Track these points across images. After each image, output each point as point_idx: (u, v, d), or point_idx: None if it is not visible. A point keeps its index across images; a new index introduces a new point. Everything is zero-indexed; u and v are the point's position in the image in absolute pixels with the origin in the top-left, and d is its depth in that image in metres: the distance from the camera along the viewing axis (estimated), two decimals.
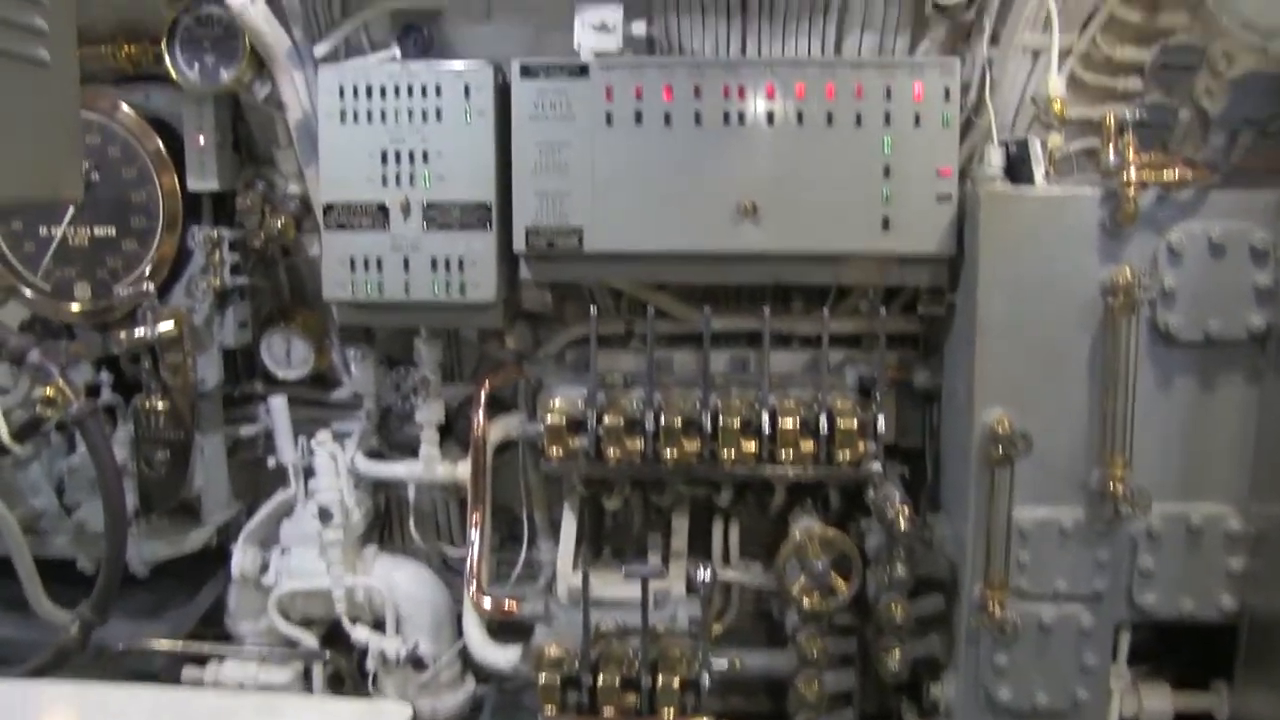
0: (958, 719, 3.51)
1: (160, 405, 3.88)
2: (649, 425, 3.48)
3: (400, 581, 4.02)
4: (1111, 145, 3.31)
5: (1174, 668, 3.62)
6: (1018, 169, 3.49)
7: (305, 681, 4.09)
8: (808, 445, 3.49)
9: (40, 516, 4.11)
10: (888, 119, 3.42)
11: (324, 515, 3.80)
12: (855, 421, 3.48)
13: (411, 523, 4.14)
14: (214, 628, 4.21)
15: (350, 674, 4.07)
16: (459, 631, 3.99)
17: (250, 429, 4.21)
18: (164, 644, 4.04)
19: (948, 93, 3.42)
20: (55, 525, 4.14)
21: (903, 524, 3.36)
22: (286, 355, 4.03)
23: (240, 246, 3.94)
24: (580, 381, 3.68)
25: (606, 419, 3.50)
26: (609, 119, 3.44)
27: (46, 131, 2.03)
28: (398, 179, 3.54)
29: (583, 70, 3.44)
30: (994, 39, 3.50)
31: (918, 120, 3.42)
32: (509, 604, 3.78)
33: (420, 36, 3.63)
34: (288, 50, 3.59)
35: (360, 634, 3.96)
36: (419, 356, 3.88)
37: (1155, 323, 3.30)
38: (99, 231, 3.89)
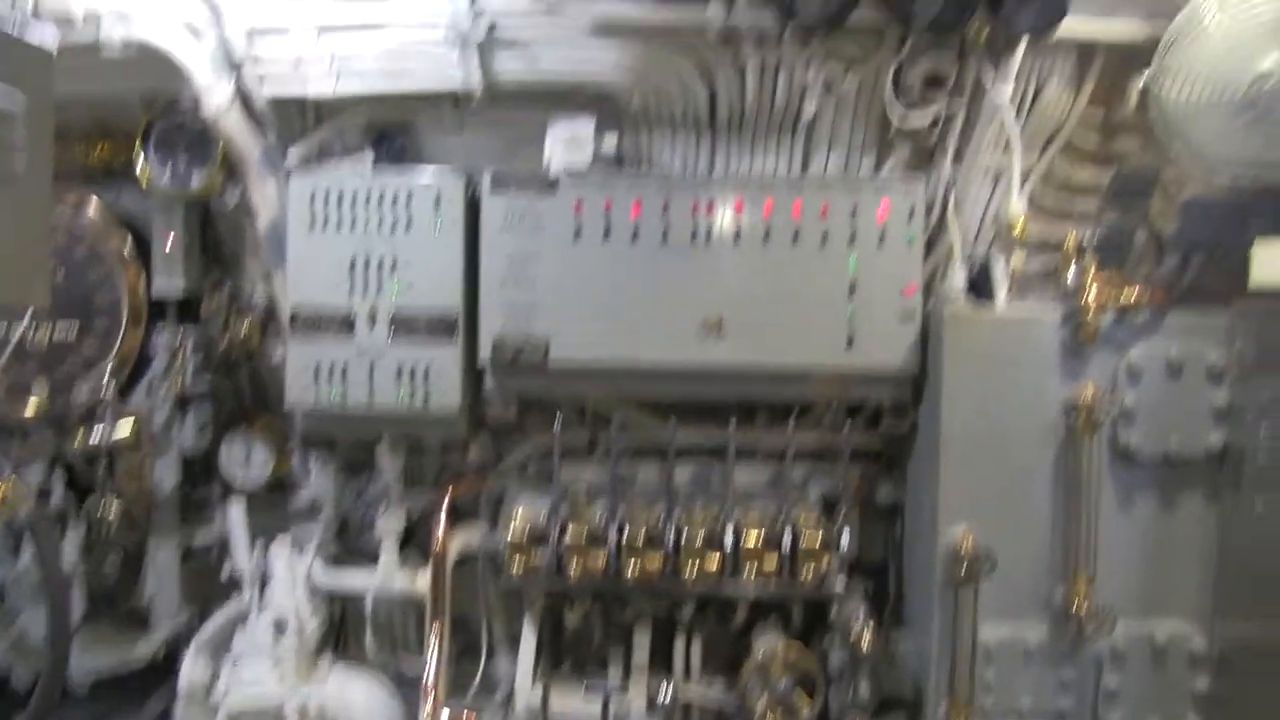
0: None
1: (114, 509, 3.87)
2: (612, 540, 3.53)
3: (355, 695, 3.98)
4: (1072, 266, 3.45)
5: None
6: (980, 288, 3.64)
7: None
8: (771, 561, 3.54)
9: None
10: (853, 237, 3.55)
11: (279, 627, 3.78)
12: (819, 538, 3.54)
13: (368, 633, 4.10)
14: None
15: None
16: None
17: (205, 535, 4.20)
18: None
19: (912, 212, 3.56)
20: None
21: (865, 645, 3.40)
22: (246, 460, 4.05)
23: (204, 349, 3.99)
24: (543, 493, 3.73)
25: (569, 533, 3.55)
26: (578, 233, 3.56)
27: (16, 240, 2.09)
28: (365, 287, 3.62)
29: (553, 184, 3.56)
30: (957, 159, 3.67)
31: (882, 239, 3.55)
32: (467, 718, 3.74)
33: (393, 145, 3.76)
34: (260, 156, 3.69)
35: None
36: (381, 465, 3.91)
37: (1116, 441, 3.42)
38: (60, 330, 3.94)
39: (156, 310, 3.98)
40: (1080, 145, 3.71)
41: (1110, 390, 3.38)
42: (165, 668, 4.13)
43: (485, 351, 3.59)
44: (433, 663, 3.76)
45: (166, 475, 3.99)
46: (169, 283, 3.94)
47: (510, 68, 3.49)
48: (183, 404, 3.98)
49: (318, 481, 4.07)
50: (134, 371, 3.97)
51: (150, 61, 3.48)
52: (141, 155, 3.74)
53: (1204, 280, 3.73)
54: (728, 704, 3.82)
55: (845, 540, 3.59)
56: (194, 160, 3.74)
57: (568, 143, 3.55)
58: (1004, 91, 3.38)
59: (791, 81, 3.47)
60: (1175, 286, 3.59)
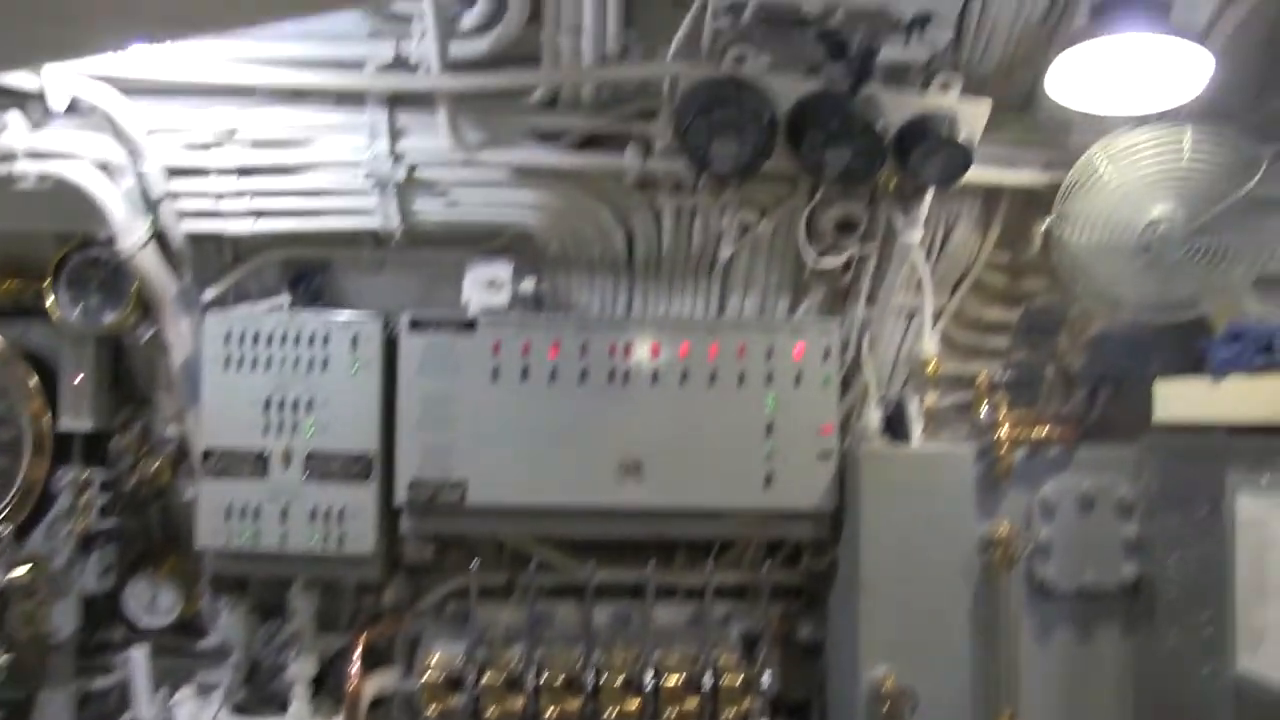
0: None
1: (2, 659, 3.76)
2: (530, 683, 3.55)
3: None
4: (984, 403, 3.58)
5: None
6: (895, 426, 3.77)
7: None
8: (692, 703, 3.58)
9: None
10: (769, 378, 3.67)
11: None
12: (740, 678, 3.59)
13: None
14: None
15: None
16: None
17: (105, 681, 4.10)
18: None
19: (827, 352, 3.70)
20: None
21: None
22: (152, 602, 4.00)
23: (111, 488, 3.96)
24: (460, 635, 3.73)
25: (486, 676, 3.56)
26: (495, 374, 3.64)
27: None
28: (280, 427, 3.65)
29: (471, 325, 3.65)
30: (870, 300, 3.82)
31: (798, 379, 3.68)
32: None
33: (311, 285, 3.83)
34: (176, 294, 3.74)
35: None
36: (294, 607, 3.89)
37: (1033, 575, 3.53)
38: None
39: (63, 448, 3.93)
40: (989, 285, 3.89)
41: (1025, 525, 3.49)
42: None
43: (402, 493, 3.62)
44: None
45: (65, 621, 3.89)
46: (76, 419, 3.91)
47: (429, 209, 3.61)
48: (86, 544, 3.91)
49: (227, 624, 4.03)
50: (36, 510, 3.89)
51: (66, 196, 3.53)
52: (52, 292, 3.73)
53: (1112, 414, 3.91)
54: None
55: (767, 680, 3.63)
56: (107, 298, 3.76)
57: (486, 284, 3.63)
58: (914, 236, 3.54)
59: (707, 226, 3.63)
60: (1084, 421, 3.74)
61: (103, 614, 4.11)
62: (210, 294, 3.79)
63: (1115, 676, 3.56)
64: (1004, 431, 3.50)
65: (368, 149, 3.46)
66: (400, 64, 3.36)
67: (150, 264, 3.62)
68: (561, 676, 3.55)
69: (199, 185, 3.56)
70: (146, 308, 3.78)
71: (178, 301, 3.72)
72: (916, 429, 3.71)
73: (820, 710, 3.96)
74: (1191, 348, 3.35)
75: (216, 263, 3.82)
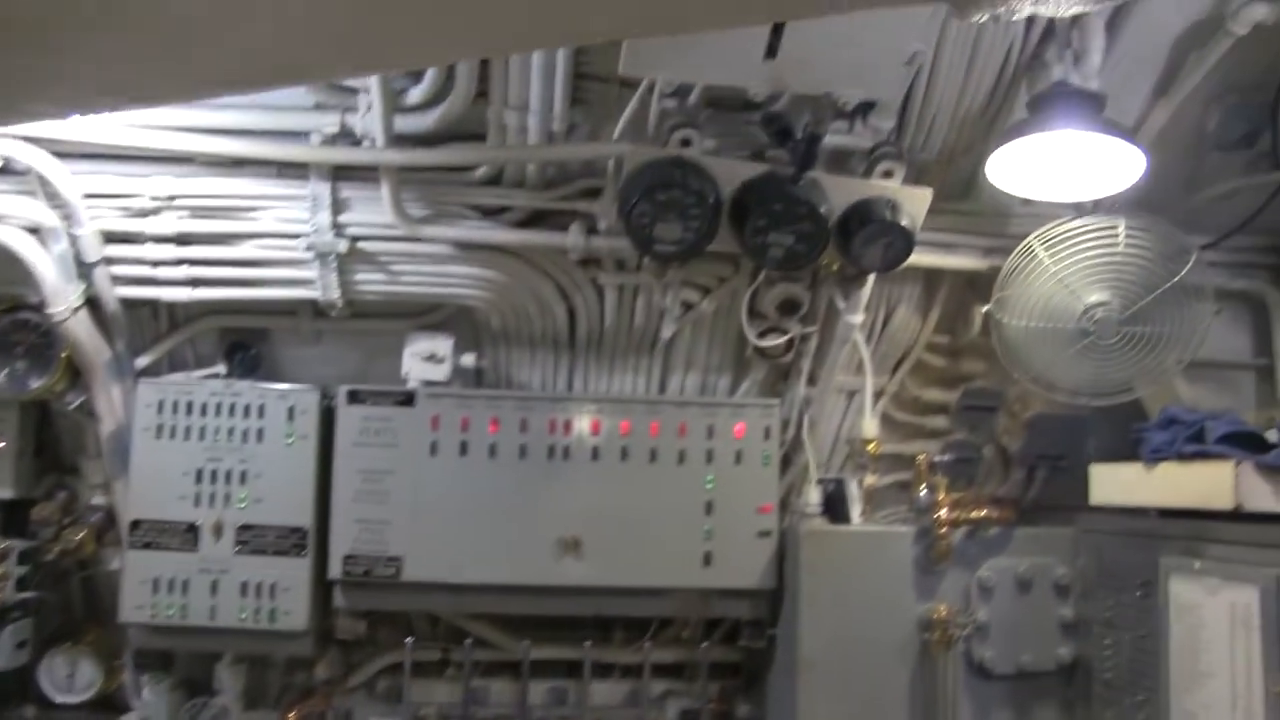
0: None
1: None
2: None
3: None
4: (924, 484, 3.60)
5: None
6: (835, 506, 3.79)
7: None
8: None
9: None
10: (710, 456, 3.68)
11: None
12: None
13: None
14: None
15: None
16: None
17: None
18: None
19: (767, 432, 3.73)
20: None
21: None
22: (69, 678, 3.86)
23: (31, 558, 3.82)
24: (392, 713, 3.71)
25: None
26: (434, 448, 3.61)
27: None
28: (212, 499, 3.58)
29: (409, 399, 3.62)
30: (811, 380, 3.85)
31: (739, 458, 3.69)
32: None
33: (247, 355, 3.78)
34: (107, 361, 3.66)
35: None
36: (220, 683, 3.81)
37: (971, 656, 3.52)
38: None
39: None
40: (929, 366, 3.96)
41: (964, 606, 3.50)
42: None
43: (336, 568, 3.56)
44: None
45: None
46: None
47: (370, 282, 3.58)
48: (0, 617, 3.78)
49: (150, 701, 3.90)
50: None
51: None
52: None
53: (1049, 495, 3.95)
54: None
55: None
56: (35, 363, 3.65)
57: (426, 358, 3.61)
58: (856, 317, 3.58)
59: (650, 304, 3.64)
60: (1021, 502, 3.77)
61: (13, 691, 3.97)
62: (143, 361, 3.72)
63: None
64: (943, 512, 3.52)
65: (309, 220, 3.43)
66: (345, 136, 3.35)
67: (82, 329, 3.55)
68: None
69: (135, 252, 3.50)
70: (76, 373, 3.69)
71: (109, 368, 3.64)
72: (856, 509, 3.73)
73: None
74: (1126, 430, 3.39)
75: (151, 330, 3.77)
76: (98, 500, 3.86)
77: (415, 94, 3.28)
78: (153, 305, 3.69)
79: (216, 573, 3.55)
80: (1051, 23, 3.07)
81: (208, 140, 3.31)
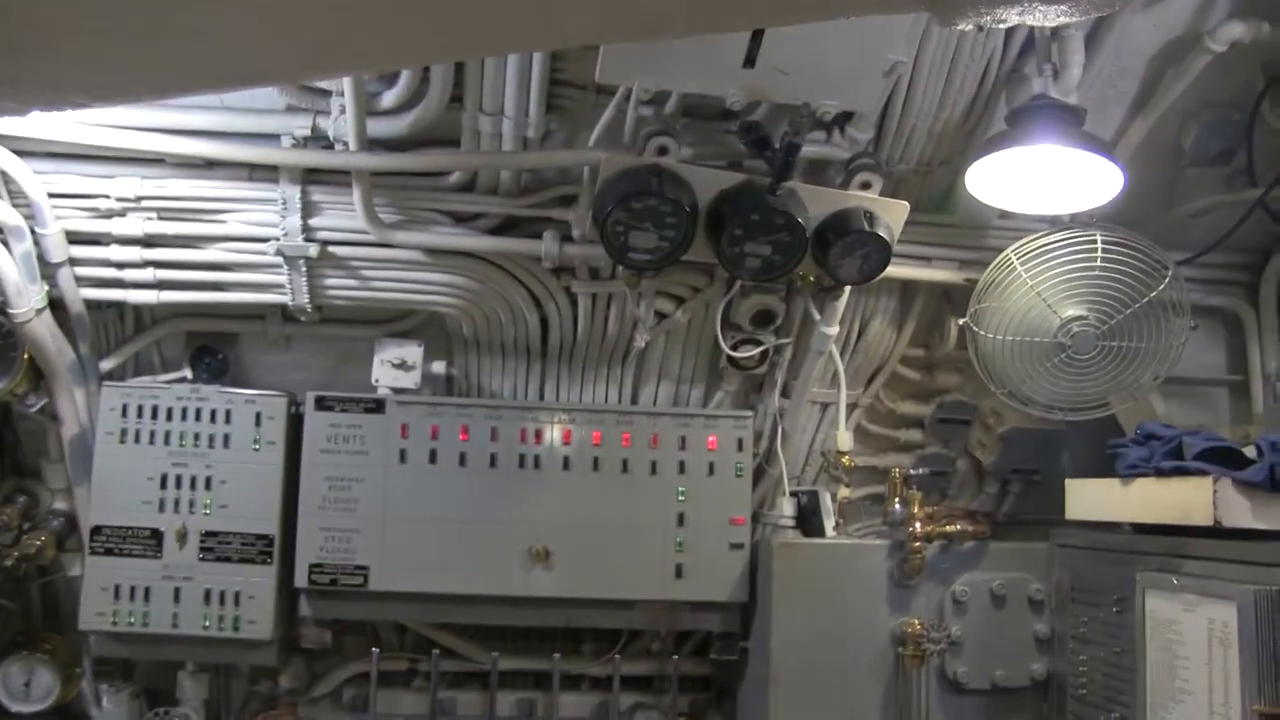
0: None
1: None
2: None
3: None
4: (897, 497, 3.56)
5: None
6: (808, 518, 3.74)
7: None
8: None
9: None
10: (682, 467, 3.64)
11: None
12: None
13: None
14: None
15: None
16: None
17: None
18: None
19: (740, 444, 3.68)
20: None
21: None
22: (26, 687, 3.74)
23: None
24: None
25: None
26: (403, 456, 3.55)
27: None
28: (176, 505, 3.50)
29: (379, 406, 3.56)
30: (785, 392, 3.80)
31: (711, 469, 3.65)
32: None
33: (215, 360, 3.70)
34: (70, 364, 3.58)
35: None
36: (183, 693, 3.72)
37: (944, 671, 3.48)
38: None
39: None
40: (904, 379, 3.92)
41: (938, 621, 3.46)
42: None
43: (302, 576, 3.49)
44: None
45: None
46: None
47: (340, 288, 3.51)
48: None
49: (109, 710, 3.81)
50: None
51: None
52: None
53: (1022, 509, 3.93)
54: None
55: None
56: None
57: (395, 365, 3.56)
58: (831, 329, 3.54)
59: (623, 313, 3.58)
60: (995, 515, 3.74)
61: None
62: (108, 365, 3.64)
63: None
64: (917, 526, 3.47)
65: (279, 224, 3.35)
66: (317, 139, 3.27)
67: (44, 331, 3.45)
68: None
69: (101, 253, 3.41)
70: (39, 375, 3.59)
71: (72, 371, 3.56)
72: (829, 521, 3.67)
73: None
74: (1101, 446, 3.35)
75: (117, 333, 3.68)
76: (59, 505, 3.77)
77: (389, 98, 3.20)
78: (118, 308, 3.62)
79: (180, 580, 3.48)
80: (1031, 36, 3.04)
81: (177, 141, 3.22)
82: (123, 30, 1.43)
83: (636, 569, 3.56)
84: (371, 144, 3.21)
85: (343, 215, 3.37)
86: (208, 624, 3.47)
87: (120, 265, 3.43)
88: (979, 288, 3.41)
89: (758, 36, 2.74)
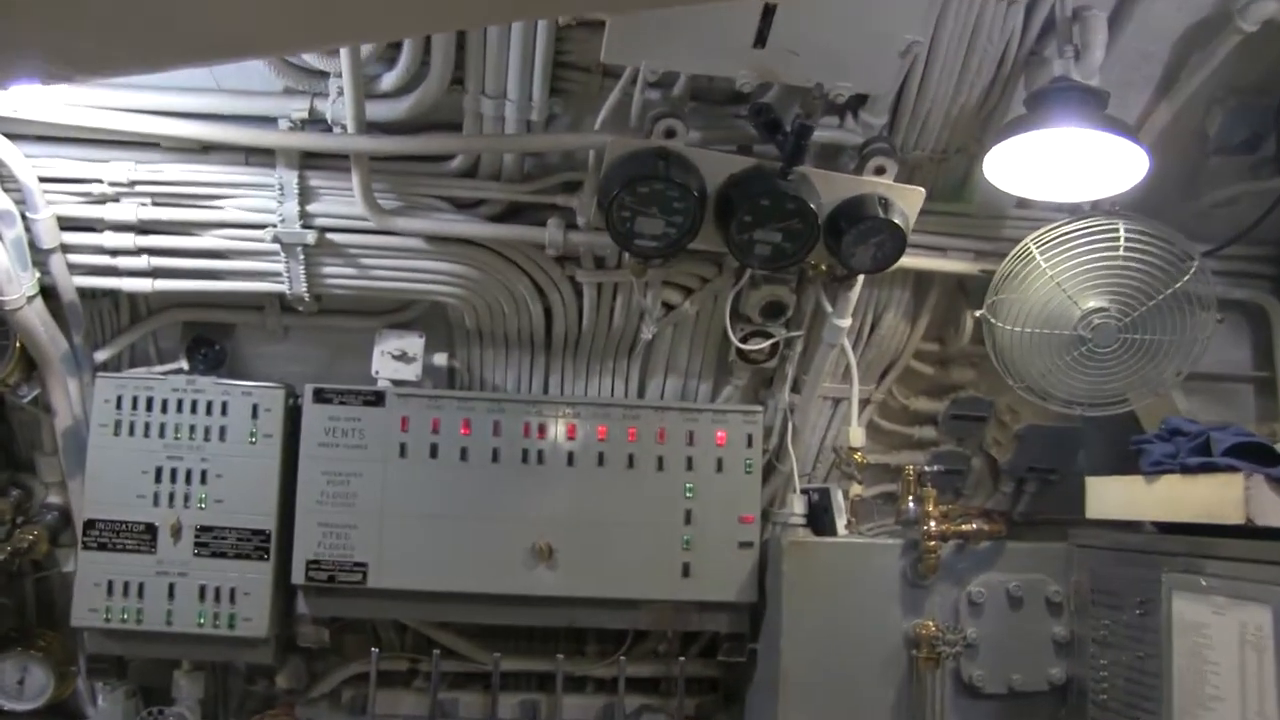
0: None
1: None
2: None
3: None
4: (911, 496, 3.43)
5: None
6: (819, 516, 3.61)
7: None
8: None
9: None
10: (690, 463, 3.50)
11: None
12: None
13: None
14: None
15: None
16: None
17: None
18: None
19: (750, 439, 3.54)
20: None
21: None
22: (19, 685, 3.63)
23: None
24: None
25: None
26: (403, 450, 3.43)
27: None
28: (171, 499, 3.39)
29: (378, 398, 3.44)
30: (796, 387, 3.67)
31: (720, 465, 3.52)
32: None
33: (211, 351, 3.59)
34: (64, 354, 3.45)
35: None
36: (178, 691, 3.60)
37: (960, 674, 3.34)
38: None
39: None
40: (917, 374, 3.79)
41: (953, 623, 3.33)
42: None
43: (299, 573, 3.37)
44: None
45: None
46: None
47: (339, 276, 3.38)
48: None
49: (105, 709, 3.70)
50: None
51: None
52: None
53: (1038, 509, 3.80)
54: None
55: None
56: None
57: (396, 356, 3.45)
58: (844, 321, 3.41)
59: (629, 305, 3.46)
60: (1010, 514, 3.61)
61: None
62: (103, 355, 3.52)
63: None
64: (932, 524, 3.34)
65: (276, 210, 3.22)
66: (315, 123, 3.14)
67: (36, 319, 3.32)
68: None
69: (94, 240, 3.29)
70: (31, 365, 3.48)
71: (66, 361, 3.43)
72: (841, 520, 3.54)
73: None
74: (1119, 444, 3.23)
75: (112, 323, 3.56)
76: (53, 499, 3.66)
77: (388, 80, 3.07)
78: (113, 297, 3.49)
79: (174, 576, 3.36)
80: (1052, 17, 2.90)
81: (171, 123, 3.08)
82: None
83: (642, 568, 3.44)
84: (371, 128, 3.08)
85: (341, 201, 3.23)
86: (202, 621, 3.36)
87: (114, 252, 3.31)
88: (996, 278, 3.28)
89: (769, 15, 2.61)
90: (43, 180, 3.19)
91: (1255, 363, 3.71)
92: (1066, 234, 3.15)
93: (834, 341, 3.45)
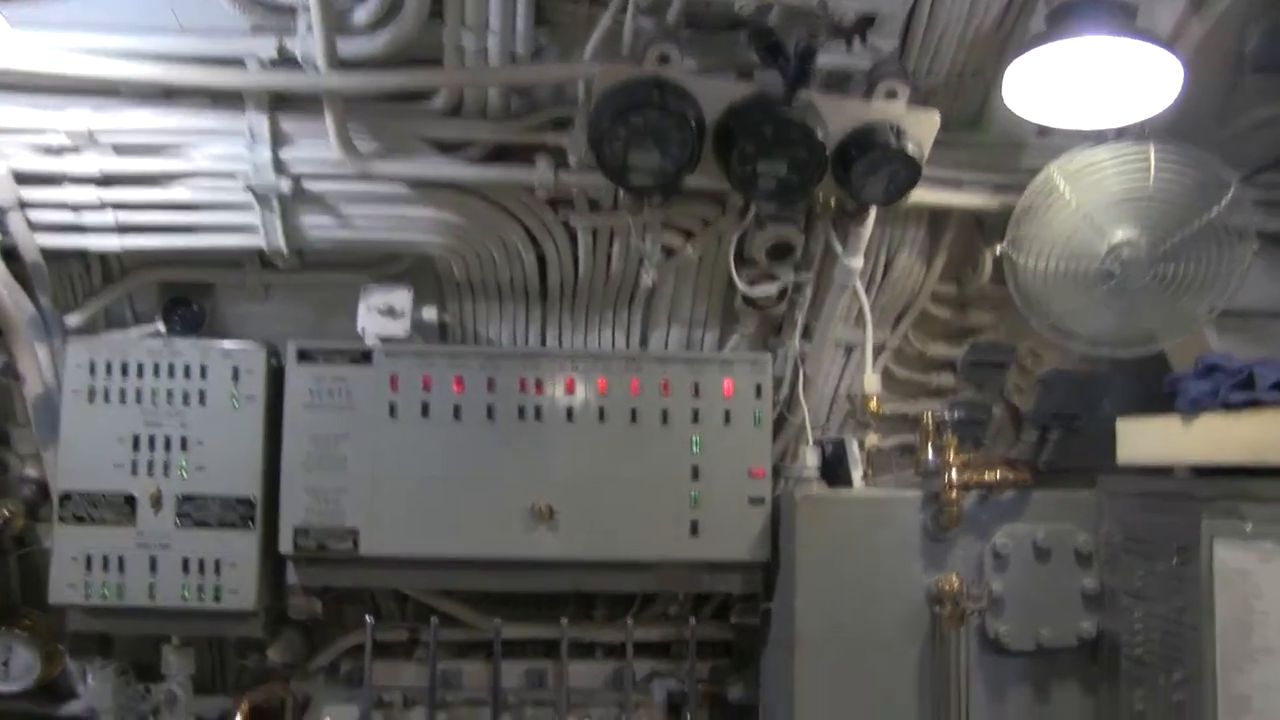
0: None
1: None
2: None
3: None
4: (930, 445, 3.26)
5: None
6: (834, 469, 3.42)
7: None
8: None
9: None
10: (696, 416, 3.33)
11: None
12: None
13: None
14: None
15: None
16: None
17: None
18: None
19: (759, 389, 3.35)
20: None
21: None
22: (4, 665, 3.48)
23: None
24: (355, 698, 3.38)
25: None
26: (393, 410, 3.25)
27: None
28: (150, 467, 3.23)
29: (366, 356, 3.26)
30: (806, 334, 3.47)
31: (728, 418, 3.33)
32: None
33: (189, 312, 3.40)
34: (30, 318, 3.26)
35: None
36: (167, 667, 3.45)
37: (985, 631, 3.16)
38: None
39: None
40: (934, 318, 3.59)
41: (977, 577, 3.15)
42: None
43: (287, 542, 3.21)
44: None
45: None
46: None
47: (319, 228, 3.16)
48: None
49: (94, 687, 3.56)
50: None
51: None
52: None
53: (1061, 457, 3.59)
54: None
55: None
56: None
57: (383, 312, 3.26)
58: (855, 262, 3.20)
59: (627, 250, 3.25)
60: (1034, 462, 3.42)
61: None
62: (75, 320, 3.32)
63: None
64: (953, 474, 3.14)
65: (247, 158, 3.00)
66: (285, 62, 2.89)
67: None
68: None
69: (54, 195, 3.07)
70: None
71: (33, 326, 3.24)
72: (857, 472, 3.35)
73: None
74: (1146, 388, 3.03)
75: (84, 286, 3.36)
76: (30, 472, 3.49)
77: (361, 13, 2.82)
78: (84, 258, 3.29)
79: (156, 548, 3.20)
80: None
81: (130, 66, 2.83)
82: None
83: (648, 527, 3.26)
84: (344, 65, 2.84)
85: (316, 146, 3.00)
86: (187, 595, 3.20)
87: (76, 208, 3.09)
88: (1018, 211, 3.06)
89: None
90: None
91: None
92: (1093, 161, 2.93)
93: (845, 284, 3.25)
